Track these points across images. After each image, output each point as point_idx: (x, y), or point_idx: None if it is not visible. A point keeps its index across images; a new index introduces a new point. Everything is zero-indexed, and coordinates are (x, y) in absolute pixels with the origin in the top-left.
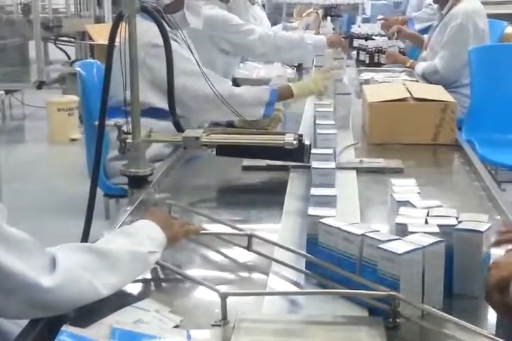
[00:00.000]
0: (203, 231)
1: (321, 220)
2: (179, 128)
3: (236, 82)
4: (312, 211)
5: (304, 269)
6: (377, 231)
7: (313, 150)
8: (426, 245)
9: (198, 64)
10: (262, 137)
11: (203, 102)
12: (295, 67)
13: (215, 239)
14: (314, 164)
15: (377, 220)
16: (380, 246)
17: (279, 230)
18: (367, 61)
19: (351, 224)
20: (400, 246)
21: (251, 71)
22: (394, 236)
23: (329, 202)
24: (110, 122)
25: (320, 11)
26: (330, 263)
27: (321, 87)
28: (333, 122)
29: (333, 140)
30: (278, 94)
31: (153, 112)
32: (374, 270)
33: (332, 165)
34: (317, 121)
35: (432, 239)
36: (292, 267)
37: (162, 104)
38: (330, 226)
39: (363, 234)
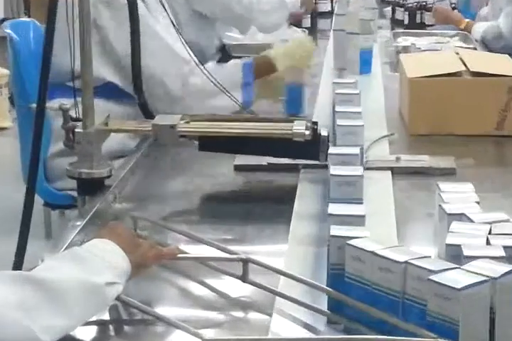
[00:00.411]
0: (180, 255)
1: (349, 242)
2: (147, 113)
3: (225, 50)
4: (336, 231)
5: (323, 308)
6: (427, 257)
7: (331, 150)
8: (496, 276)
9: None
10: (261, 125)
11: (159, 92)
12: (306, 28)
13: (197, 265)
14: (333, 170)
15: (420, 240)
16: (430, 278)
17: (284, 253)
18: (406, 21)
19: (389, 247)
20: (458, 278)
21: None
22: (449, 264)
23: (355, 222)
24: (53, 104)
25: None
26: (361, 301)
27: (311, 49)
28: (359, 109)
29: (360, 135)
30: (256, 68)
31: (111, 91)
32: (422, 311)
33: (358, 171)
34: (337, 108)
35: (503, 267)
36: (306, 305)
37: (118, 79)
38: (362, 250)
39: (406, 262)
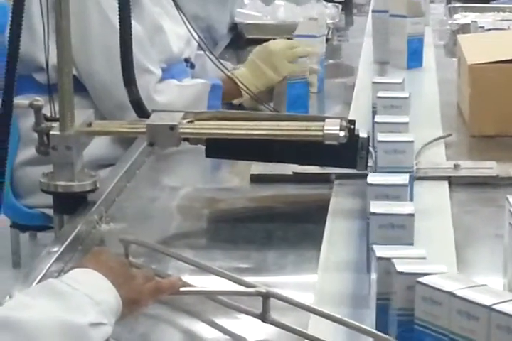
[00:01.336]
0: (184, 289)
1: (420, 280)
2: (141, 110)
3: (238, 30)
4: (381, 251)
5: None
6: None
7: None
8: None
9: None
10: (284, 125)
11: (112, 104)
12: (339, 2)
13: (205, 301)
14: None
15: (485, 268)
16: None
17: (314, 285)
18: None
19: (470, 286)
20: None
21: (263, 10)
22: None
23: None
24: (23, 101)
25: None
26: None
27: (285, 70)
28: (406, 120)
29: (409, 153)
30: (225, 90)
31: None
32: None
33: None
34: (378, 118)
35: None
36: None
37: (104, 71)
38: (438, 290)
39: (490, 308)
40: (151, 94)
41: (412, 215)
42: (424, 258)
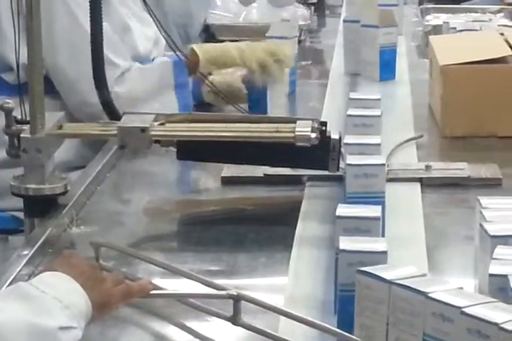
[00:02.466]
0: (154, 292)
1: (433, 296)
2: (112, 112)
3: (210, 31)
4: (346, 244)
5: None
6: None
7: (346, 140)
8: None
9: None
10: (255, 127)
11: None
12: (312, 4)
13: (176, 304)
14: (350, 160)
15: (456, 270)
16: None
17: (285, 287)
18: None
19: (484, 302)
20: None
21: (235, 12)
22: None
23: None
24: None
25: None
26: None
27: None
28: (378, 140)
29: (380, 178)
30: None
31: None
32: None
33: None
34: (347, 139)
35: None
36: None
37: (69, 65)
38: (449, 305)
39: (500, 327)
40: (112, 86)
41: (384, 253)
42: (385, 252)
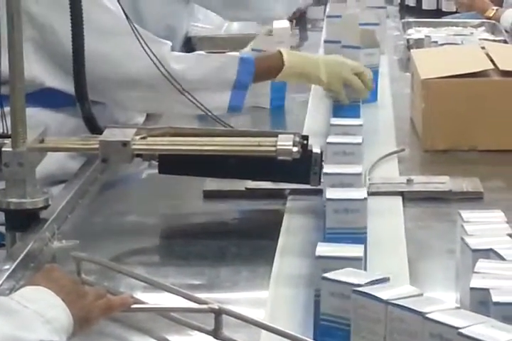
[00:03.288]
0: (136, 306)
1: (430, 316)
2: (93, 126)
3: (191, 44)
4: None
5: None
6: None
7: (326, 169)
8: None
9: (126, 16)
10: (237, 141)
11: (119, 82)
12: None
13: (158, 318)
14: (330, 193)
15: (438, 283)
16: None
17: (266, 302)
18: (419, 7)
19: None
20: None
21: (217, 24)
22: None
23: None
24: None
25: None
26: None
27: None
28: (359, 170)
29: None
30: (257, 64)
31: (48, 98)
32: None
33: (361, 193)
34: (326, 169)
35: None
36: None
37: (58, 82)
38: (447, 326)
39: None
40: (168, 61)
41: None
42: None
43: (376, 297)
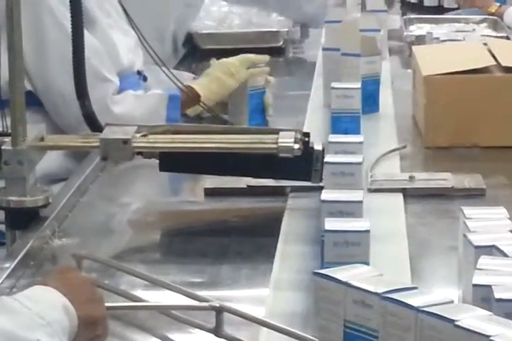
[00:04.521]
0: (136, 304)
1: (460, 324)
2: (94, 124)
3: (193, 41)
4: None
5: None
6: None
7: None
8: None
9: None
10: (238, 138)
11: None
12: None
13: (159, 316)
14: (325, 195)
15: (440, 280)
16: None
17: (267, 299)
18: (421, 4)
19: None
20: None
21: (218, 20)
22: None
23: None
24: None
25: None
26: None
27: (243, 75)
28: (359, 159)
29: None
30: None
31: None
32: None
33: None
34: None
35: None
36: None
37: (62, 82)
38: (477, 334)
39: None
40: (108, 105)
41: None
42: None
43: (407, 304)
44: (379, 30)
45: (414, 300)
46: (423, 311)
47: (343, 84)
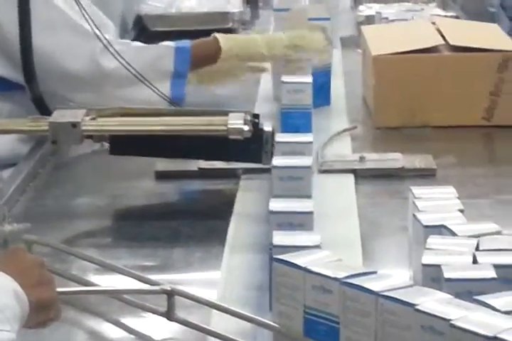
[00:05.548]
0: (88, 288)
1: (420, 308)
2: (42, 108)
3: (142, 23)
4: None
5: None
6: None
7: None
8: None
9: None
10: (188, 120)
11: (59, 77)
12: None
13: (110, 300)
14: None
15: (391, 260)
16: None
17: (218, 282)
18: None
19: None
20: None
21: (167, 2)
22: None
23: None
24: None
25: None
26: None
27: (278, 50)
28: (308, 162)
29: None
30: (194, 54)
31: None
32: None
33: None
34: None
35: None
36: None
37: (7, 70)
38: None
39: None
40: (97, 58)
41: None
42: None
43: (366, 288)
44: (329, 19)
45: (374, 284)
46: (383, 296)
47: (294, 78)
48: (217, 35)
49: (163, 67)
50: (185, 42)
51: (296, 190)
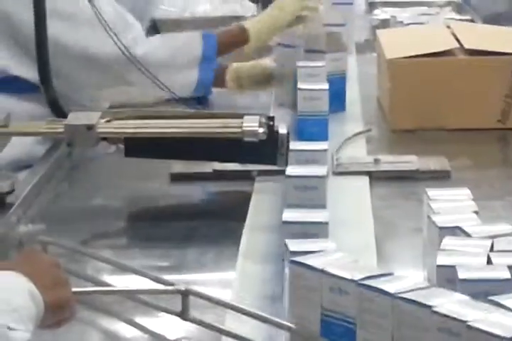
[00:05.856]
0: (103, 288)
1: (437, 309)
2: (58, 111)
3: (156, 27)
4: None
5: None
6: None
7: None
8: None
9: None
10: (203, 123)
11: (85, 67)
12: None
13: (125, 300)
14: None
15: (405, 261)
16: None
17: (233, 282)
18: None
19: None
20: None
21: (181, 6)
22: None
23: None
24: None
25: None
26: None
27: (291, 7)
28: (323, 171)
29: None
30: (220, 41)
31: (12, 85)
32: None
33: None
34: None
35: None
36: None
37: (26, 70)
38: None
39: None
40: (130, 47)
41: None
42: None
43: (382, 290)
44: (344, 25)
45: (391, 286)
46: (400, 297)
47: (310, 85)
48: (245, 23)
49: (192, 52)
50: (210, 31)
51: (311, 200)
